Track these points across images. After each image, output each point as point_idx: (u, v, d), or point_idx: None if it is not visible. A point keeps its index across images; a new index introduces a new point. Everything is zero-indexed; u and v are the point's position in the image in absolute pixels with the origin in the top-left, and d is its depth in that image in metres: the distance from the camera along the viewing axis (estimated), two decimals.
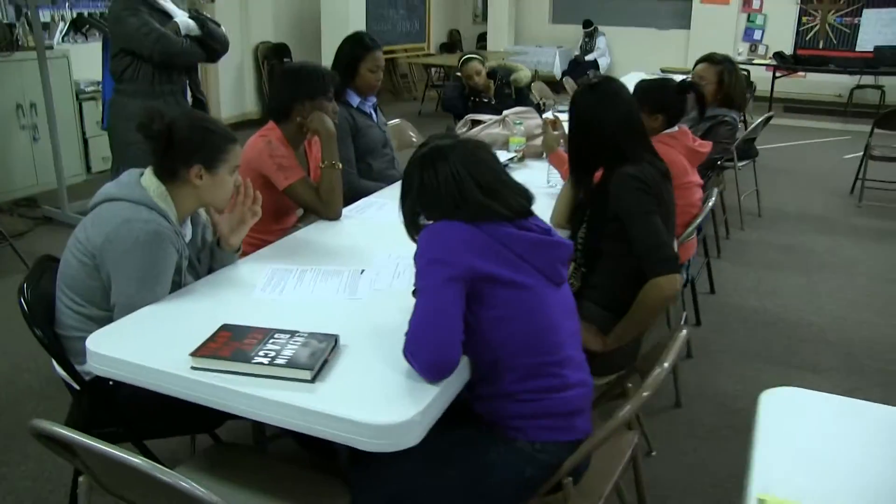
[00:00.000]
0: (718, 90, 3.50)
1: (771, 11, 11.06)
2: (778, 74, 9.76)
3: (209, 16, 3.49)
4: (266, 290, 1.88)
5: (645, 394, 1.54)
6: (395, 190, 3.01)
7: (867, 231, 5.26)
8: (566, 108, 4.88)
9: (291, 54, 8.15)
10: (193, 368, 1.47)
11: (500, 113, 4.73)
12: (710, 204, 2.86)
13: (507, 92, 4.76)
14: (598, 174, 2.23)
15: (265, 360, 1.45)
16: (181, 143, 1.85)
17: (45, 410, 2.70)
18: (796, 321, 3.73)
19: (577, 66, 11.58)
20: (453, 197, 1.57)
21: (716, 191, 2.97)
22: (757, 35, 11.20)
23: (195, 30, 3.31)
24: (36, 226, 4.87)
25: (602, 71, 11.75)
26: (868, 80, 10.21)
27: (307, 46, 8.61)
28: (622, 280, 2.13)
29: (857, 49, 10.47)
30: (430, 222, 1.62)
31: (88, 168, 5.87)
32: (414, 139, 4.15)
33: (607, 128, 2.13)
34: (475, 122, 3.55)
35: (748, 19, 11.25)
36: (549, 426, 1.56)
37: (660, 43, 11.81)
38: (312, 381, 1.43)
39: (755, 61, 10.16)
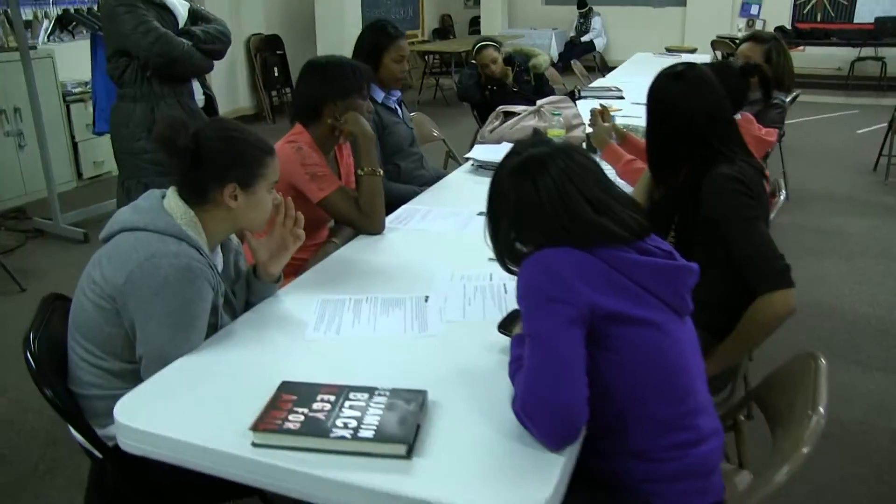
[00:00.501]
0: None
1: None
2: None
3: (203, 9, 3.12)
4: (320, 328, 1.59)
5: (805, 450, 1.27)
6: (433, 194, 2.73)
7: None
8: (589, 93, 4.63)
9: (285, 46, 7.79)
10: (255, 446, 1.18)
11: (521, 101, 4.45)
12: (782, 198, 2.59)
13: (525, 78, 4.48)
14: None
15: (347, 434, 1.16)
16: (211, 158, 1.55)
17: (53, 460, 2.39)
18: (852, 312, 3.49)
19: (573, 48, 11.28)
20: (559, 217, 1.29)
21: (782, 182, 2.70)
22: (754, 10, 10.93)
23: (185, 41, 2.92)
24: (27, 240, 4.52)
25: (599, 51, 11.47)
26: (868, 52, 10.01)
27: (301, 38, 8.25)
28: (720, 294, 1.86)
29: (856, 21, 10.26)
30: (527, 249, 1.34)
31: (79, 174, 5.52)
32: (435, 133, 3.86)
33: (696, 120, 1.85)
34: (507, 114, 3.25)
35: None
36: (687, 489, 1.29)
37: (656, 21, 11.53)
38: (408, 456, 1.15)
39: None
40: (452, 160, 4.24)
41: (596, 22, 11.51)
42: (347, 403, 1.24)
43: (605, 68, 8.02)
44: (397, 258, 2.03)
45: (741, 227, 1.77)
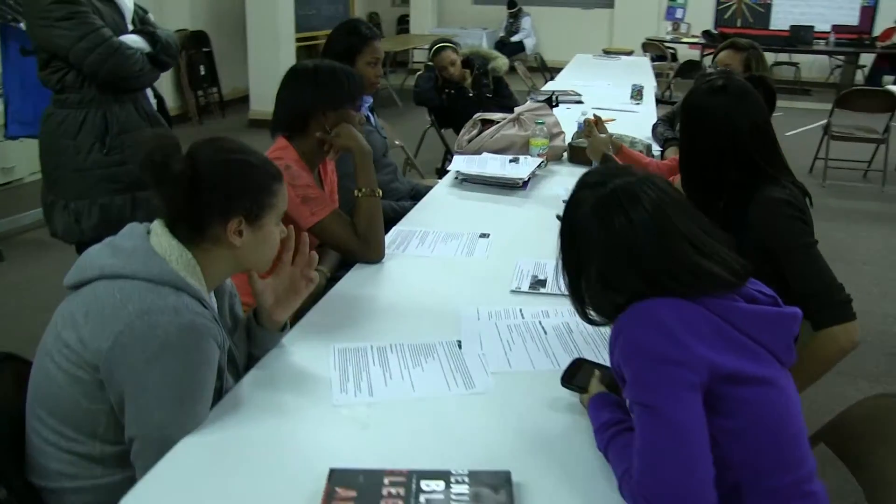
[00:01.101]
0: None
1: None
2: (706, 53, 9.71)
3: (148, 14, 2.70)
4: (347, 388, 1.33)
5: None
6: (422, 214, 2.35)
7: (844, 213, 5.17)
8: (544, 97, 4.47)
9: (212, 43, 7.32)
10: None
11: (481, 106, 4.25)
12: None
13: (485, 82, 4.28)
14: None
15: None
16: (213, 187, 1.27)
17: None
18: None
19: (503, 48, 11.18)
20: (660, 259, 1.10)
21: None
22: (679, 14, 11.14)
23: (143, 47, 2.47)
24: None
25: (528, 52, 11.43)
26: (783, 57, 10.39)
27: (229, 34, 7.80)
28: None
29: (772, 27, 10.64)
30: (619, 299, 1.13)
31: None
32: (396, 142, 3.61)
33: (742, 138, 1.69)
34: (485, 122, 3.04)
35: None
36: None
37: (584, 22, 11.60)
38: None
39: (683, 40, 10.08)
40: (411, 168, 4.02)
41: (525, 22, 11.46)
42: (423, 497, 1.00)
43: (545, 69, 7.91)
44: (407, 292, 1.78)
45: (800, 256, 1.63)
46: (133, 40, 2.47)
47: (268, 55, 6.87)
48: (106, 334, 1.16)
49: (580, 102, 4.37)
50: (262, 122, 7.16)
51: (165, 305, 1.18)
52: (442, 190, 2.62)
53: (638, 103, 4.42)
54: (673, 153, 3.16)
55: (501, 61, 4.34)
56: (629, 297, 1.11)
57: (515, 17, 11.41)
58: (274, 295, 1.45)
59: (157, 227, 1.30)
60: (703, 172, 1.75)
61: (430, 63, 4.22)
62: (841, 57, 9.75)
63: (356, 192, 1.92)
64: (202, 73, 7.17)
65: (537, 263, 1.92)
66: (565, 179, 2.73)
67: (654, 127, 3.39)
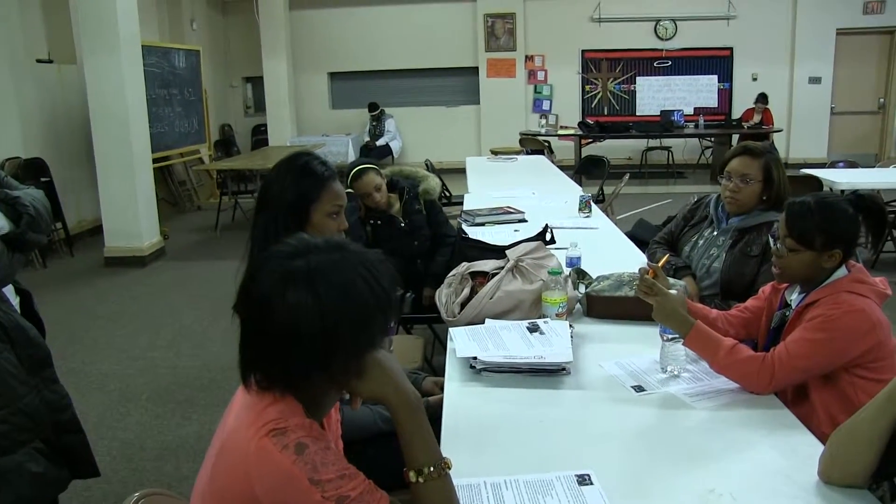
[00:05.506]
0: (765, 189, 2.62)
1: (556, 82, 11.16)
2: (584, 143, 9.69)
3: (10, 179, 1.80)
4: None
5: None
6: (458, 444, 1.48)
7: None
8: (484, 219, 3.77)
9: (51, 172, 6.18)
10: None
11: (414, 237, 3.54)
12: None
13: (416, 208, 3.59)
14: None
15: None
16: None
17: None
18: None
19: (370, 153, 10.68)
20: None
21: None
22: (546, 105, 11.23)
23: (3, 226, 1.67)
24: None
25: (395, 155, 10.99)
26: (653, 142, 10.58)
27: (71, 160, 6.72)
28: None
29: (638, 113, 10.90)
30: None
31: None
32: None
33: None
34: (475, 276, 2.31)
35: (535, 91, 11.24)
36: None
37: (451, 120, 11.41)
38: None
39: (559, 132, 10.02)
40: None
41: (389, 124, 11.06)
42: None
43: (432, 172, 7.34)
44: None
45: None
46: None
47: (122, 182, 5.86)
48: None
49: (523, 221, 3.78)
50: (120, 259, 6.05)
51: None
52: (454, 390, 1.84)
53: (587, 216, 3.89)
54: (690, 284, 2.60)
55: (433, 181, 3.69)
56: None
57: (378, 119, 10.98)
58: None
59: None
60: None
61: (349, 190, 3.47)
62: (711, 139, 10.02)
63: (411, 475, 1.11)
64: None
65: None
66: (604, 348, 2.05)
67: (652, 252, 2.83)
